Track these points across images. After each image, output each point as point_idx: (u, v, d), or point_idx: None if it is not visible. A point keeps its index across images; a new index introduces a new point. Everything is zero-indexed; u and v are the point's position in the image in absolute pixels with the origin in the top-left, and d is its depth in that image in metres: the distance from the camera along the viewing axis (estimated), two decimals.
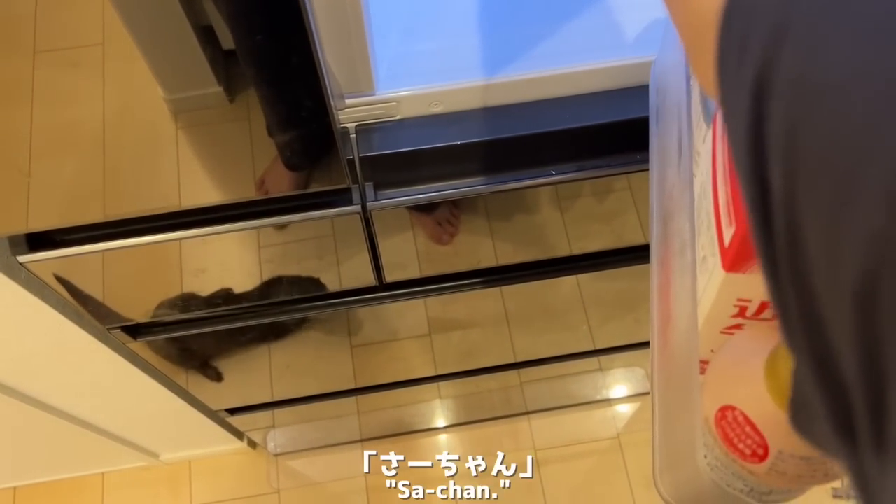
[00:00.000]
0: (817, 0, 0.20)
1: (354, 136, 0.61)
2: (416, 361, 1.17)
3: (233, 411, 1.16)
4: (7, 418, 1.06)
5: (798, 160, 0.20)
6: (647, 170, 0.64)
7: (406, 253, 0.75)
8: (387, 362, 1.16)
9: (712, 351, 0.41)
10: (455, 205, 0.74)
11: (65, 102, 0.51)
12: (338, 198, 0.63)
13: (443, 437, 1.56)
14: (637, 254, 0.82)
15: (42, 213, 0.56)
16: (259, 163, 0.59)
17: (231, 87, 0.52)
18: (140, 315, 0.75)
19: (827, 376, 0.20)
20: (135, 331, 0.79)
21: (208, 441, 1.45)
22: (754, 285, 0.34)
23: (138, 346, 0.84)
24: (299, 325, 1.00)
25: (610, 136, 0.62)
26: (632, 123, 0.61)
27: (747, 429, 0.33)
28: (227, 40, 0.48)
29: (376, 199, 0.63)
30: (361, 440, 1.54)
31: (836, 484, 0.43)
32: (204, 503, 1.48)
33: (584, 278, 0.89)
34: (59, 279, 0.65)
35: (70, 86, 0.50)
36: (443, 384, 1.31)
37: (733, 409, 0.34)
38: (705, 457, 0.37)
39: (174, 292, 0.72)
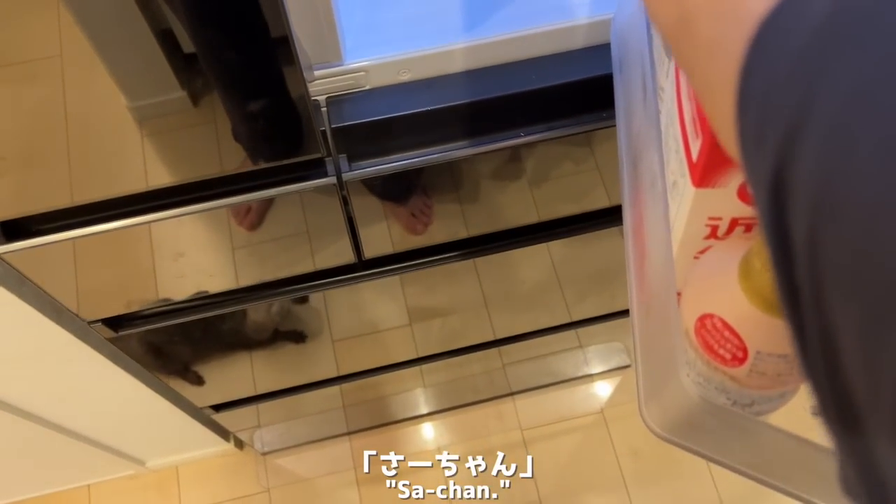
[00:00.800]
0: (837, 94, 0.19)
1: (325, 108, 0.61)
2: (398, 350, 1.17)
3: (218, 408, 1.15)
4: None
5: (824, 272, 0.19)
6: (613, 126, 0.66)
7: (383, 229, 0.76)
8: (369, 352, 1.17)
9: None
10: (427, 194, 0.76)
11: (25, 116, 0.50)
12: (312, 172, 0.63)
13: (429, 424, 1.57)
14: (604, 218, 0.84)
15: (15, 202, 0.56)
16: (227, 166, 0.59)
17: (194, 91, 0.53)
18: (119, 306, 0.75)
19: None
20: (116, 324, 0.79)
21: (195, 444, 1.44)
22: (724, 201, 0.36)
23: (121, 343, 0.84)
24: (273, 338, 1.00)
25: (576, 94, 0.64)
26: (597, 81, 0.62)
27: (726, 333, 0.34)
28: (187, 44, 0.49)
29: (350, 171, 0.63)
30: (349, 433, 1.55)
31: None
32: None
33: (556, 246, 0.90)
34: (36, 271, 0.65)
35: (29, 99, 0.50)
36: (426, 372, 1.32)
37: (711, 316, 0.36)
38: (688, 374, 0.38)
39: (152, 280, 0.72)
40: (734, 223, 0.37)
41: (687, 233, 0.39)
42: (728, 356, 0.34)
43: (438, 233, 0.80)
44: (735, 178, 0.34)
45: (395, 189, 0.72)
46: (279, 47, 0.50)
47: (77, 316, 0.74)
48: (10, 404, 0.97)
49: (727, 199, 0.35)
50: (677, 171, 0.38)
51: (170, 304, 0.78)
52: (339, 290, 0.87)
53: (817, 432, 0.41)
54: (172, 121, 0.55)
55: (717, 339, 0.34)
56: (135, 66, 0.50)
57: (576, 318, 1.18)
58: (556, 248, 0.92)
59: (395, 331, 1.10)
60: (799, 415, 0.45)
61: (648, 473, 1.50)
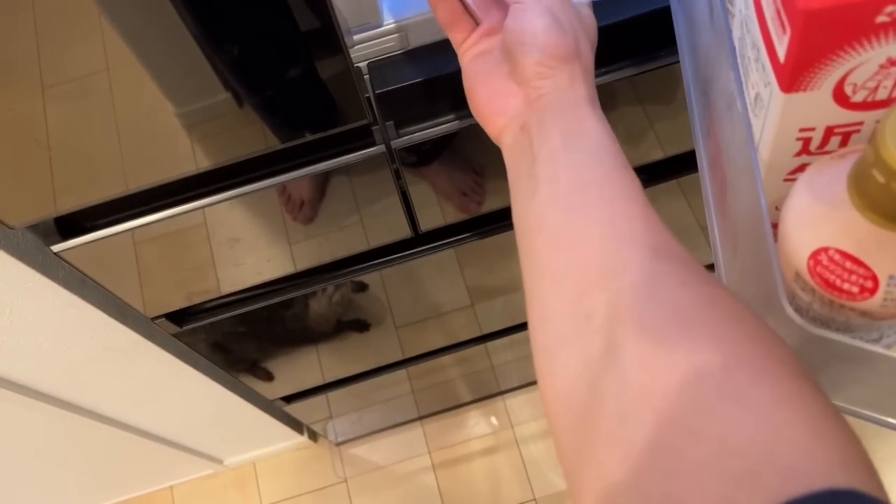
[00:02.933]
0: None
1: (367, 75, 0.59)
2: (461, 330, 1.15)
3: (289, 399, 1.15)
4: (69, 435, 1.07)
5: None
6: (663, 66, 0.62)
7: (436, 201, 0.74)
8: (433, 334, 1.15)
9: (777, 209, 0.38)
10: (476, 172, 0.73)
11: (79, 133, 0.51)
12: (360, 143, 0.61)
13: (502, 404, 1.55)
14: (660, 172, 0.79)
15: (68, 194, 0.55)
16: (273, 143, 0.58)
17: (238, 92, 0.52)
18: (181, 299, 0.74)
19: None
20: (179, 319, 0.78)
21: (270, 439, 1.45)
22: (817, 107, 0.32)
23: (187, 338, 0.84)
24: (337, 329, 1.00)
25: (632, 33, 0.60)
26: (652, 16, 0.58)
27: (848, 264, 0.30)
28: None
29: (399, 137, 0.61)
30: (420, 418, 1.53)
31: None
32: (274, 501, 1.49)
33: None
34: (95, 269, 0.65)
35: (83, 115, 0.50)
36: (492, 350, 1.29)
37: (826, 249, 0.32)
38: (790, 303, 0.35)
39: (210, 269, 0.71)
40: (829, 133, 0.33)
41: (775, 151, 0.35)
42: (856, 289, 0.30)
43: (494, 201, 0.77)
44: (829, 78, 0.30)
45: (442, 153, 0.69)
46: (317, 10, 0.48)
47: (140, 313, 0.73)
48: (85, 408, 0.98)
49: (820, 103, 0.32)
50: (759, 81, 0.34)
51: (230, 295, 0.77)
52: (397, 271, 0.85)
53: None
54: (220, 124, 0.55)
55: (838, 273, 0.30)
56: (177, 72, 0.50)
57: None
58: None
59: (456, 312, 1.08)
60: None
61: None
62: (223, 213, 0.63)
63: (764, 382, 0.26)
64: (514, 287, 1.05)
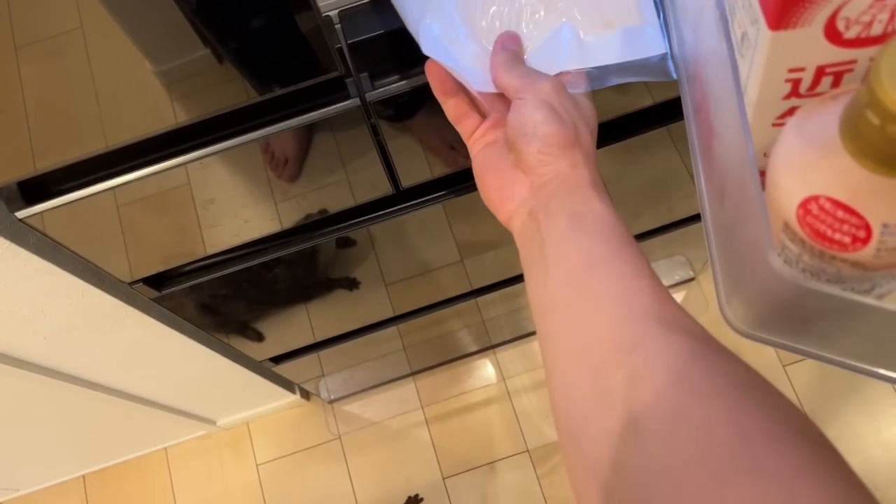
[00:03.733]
0: None
1: (339, 24, 0.56)
2: (451, 286, 1.14)
3: (278, 360, 1.14)
4: (61, 403, 1.06)
5: None
6: None
7: (419, 156, 0.72)
8: (423, 291, 1.14)
9: (765, 156, 0.37)
10: None
11: (55, 94, 0.50)
12: (334, 96, 0.59)
13: (493, 358, 1.55)
14: (649, 119, 0.77)
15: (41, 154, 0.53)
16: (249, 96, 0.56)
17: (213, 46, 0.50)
18: (158, 263, 0.72)
19: None
20: (159, 283, 0.77)
21: (262, 399, 1.45)
22: (807, 45, 0.30)
23: (168, 302, 0.82)
24: (328, 287, 0.98)
25: None
26: None
27: (839, 213, 0.29)
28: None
29: (374, 89, 0.59)
30: (412, 373, 1.54)
31: None
32: (269, 460, 1.49)
33: (602, 160, 0.84)
34: (66, 235, 0.63)
35: (59, 75, 0.49)
36: (483, 305, 1.29)
37: (816, 198, 0.30)
38: (780, 255, 0.33)
39: (186, 231, 0.69)
40: (820, 73, 0.31)
41: (763, 93, 0.33)
42: (847, 240, 0.29)
43: None
44: (820, 13, 0.28)
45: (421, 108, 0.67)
46: None
47: (117, 278, 0.72)
48: (73, 375, 0.97)
49: (811, 41, 0.30)
50: (746, 19, 0.32)
51: (210, 257, 0.75)
52: (384, 228, 0.83)
53: None
54: (200, 81, 0.53)
55: (828, 223, 0.29)
56: (154, 29, 0.49)
57: (633, 233, 1.12)
58: (602, 163, 0.85)
59: (446, 268, 1.07)
60: None
61: None
62: (200, 172, 0.61)
63: (782, 451, 0.27)
64: (502, 241, 1.04)
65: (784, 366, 1.43)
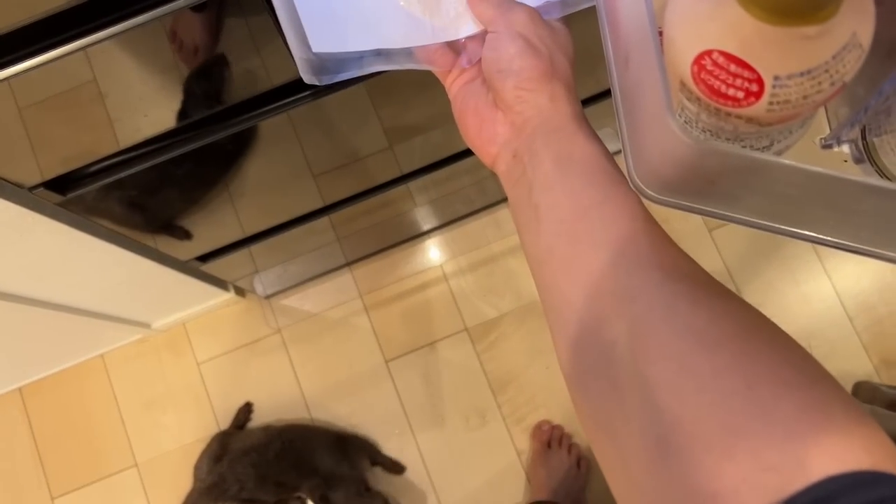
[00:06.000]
0: None
1: None
2: (381, 172, 1.12)
3: (204, 259, 1.12)
4: None
5: None
6: None
7: None
8: (353, 179, 1.12)
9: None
10: None
11: None
12: None
13: (427, 244, 1.55)
14: None
15: None
16: None
17: None
18: (57, 165, 0.68)
19: None
20: (62, 187, 0.73)
21: (194, 299, 1.43)
22: None
23: (75, 207, 0.78)
24: (243, 151, 0.94)
25: None
26: None
27: (732, 67, 0.28)
28: None
29: None
30: (348, 263, 1.53)
31: (822, 134, 0.39)
32: (209, 358, 1.49)
33: None
34: None
35: None
36: (415, 191, 1.27)
37: (710, 53, 0.29)
38: (680, 115, 0.33)
39: (83, 130, 0.65)
40: None
41: None
42: (741, 94, 0.28)
43: None
44: None
45: None
46: None
47: (13, 183, 0.67)
48: None
49: None
50: None
51: (114, 155, 0.71)
52: (304, 114, 0.79)
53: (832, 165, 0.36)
54: None
55: (722, 78, 0.28)
56: None
57: None
58: None
59: (375, 156, 1.04)
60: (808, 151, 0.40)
61: None
62: (98, 62, 0.56)
63: (786, 395, 0.27)
64: (431, 125, 1.01)
65: (710, 230, 1.48)
